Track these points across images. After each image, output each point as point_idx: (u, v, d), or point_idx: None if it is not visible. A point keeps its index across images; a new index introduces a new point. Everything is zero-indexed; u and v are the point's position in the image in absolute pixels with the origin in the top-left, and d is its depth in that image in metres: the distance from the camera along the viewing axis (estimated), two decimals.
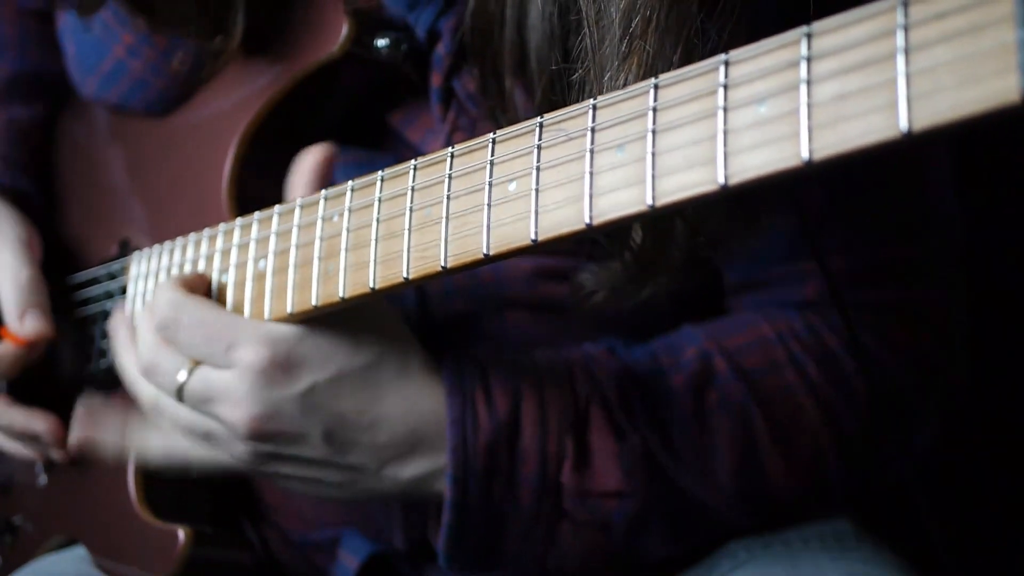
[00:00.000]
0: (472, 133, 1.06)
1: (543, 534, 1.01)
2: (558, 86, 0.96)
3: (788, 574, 1.08)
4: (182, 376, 0.97)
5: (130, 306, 1.15)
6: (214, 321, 0.97)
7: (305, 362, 0.94)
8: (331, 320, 0.94)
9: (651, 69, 0.85)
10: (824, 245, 1.04)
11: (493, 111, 1.03)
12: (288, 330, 0.95)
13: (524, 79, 1.00)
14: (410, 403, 0.97)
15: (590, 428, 1.00)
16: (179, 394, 0.98)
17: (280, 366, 0.94)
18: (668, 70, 0.80)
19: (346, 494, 1.02)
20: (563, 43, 0.97)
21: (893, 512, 1.23)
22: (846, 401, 1.05)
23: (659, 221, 0.92)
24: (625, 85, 0.84)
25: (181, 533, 1.08)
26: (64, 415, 1.24)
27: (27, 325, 1.21)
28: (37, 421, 1.22)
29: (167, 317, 0.97)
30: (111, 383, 1.19)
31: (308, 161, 0.99)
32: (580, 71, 0.90)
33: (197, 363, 0.97)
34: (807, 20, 0.65)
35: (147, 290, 1.14)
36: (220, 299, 1.03)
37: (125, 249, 1.22)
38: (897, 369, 1.07)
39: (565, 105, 0.78)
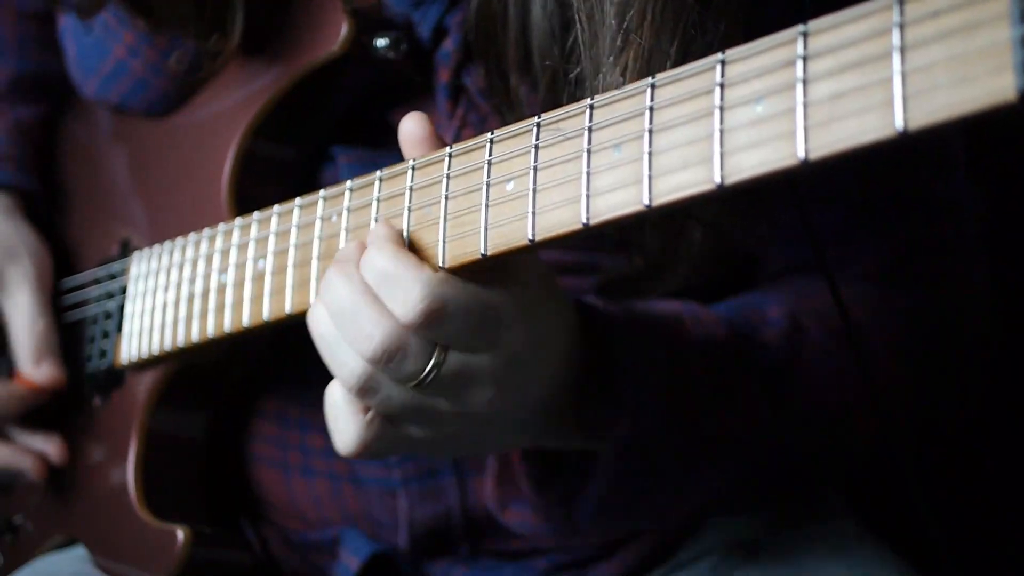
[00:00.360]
0: (481, 128, 1.07)
1: (665, 491, 1.01)
2: (561, 83, 0.96)
3: (789, 574, 1.08)
4: (431, 365, 0.84)
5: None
6: (481, 304, 0.83)
7: (539, 336, 0.86)
8: (539, 283, 0.87)
9: (648, 63, 0.85)
10: (860, 228, 1.05)
11: (500, 108, 1.03)
12: (525, 302, 0.85)
13: (529, 76, 1.00)
14: (575, 359, 0.92)
15: (714, 374, 0.99)
16: (425, 380, 0.84)
17: (526, 341, 0.85)
18: (665, 64, 0.80)
19: (498, 450, 1.00)
20: (564, 40, 0.97)
21: (893, 512, 1.23)
22: (922, 361, 1.07)
23: (666, 220, 0.92)
24: (624, 80, 0.84)
25: (180, 533, 1.08)
26: (64, 414, 1.25)
27: (44, 372, 1.23)
28: (22, 459, 1.23)
29: (431, 308, 0.81)
30: (111, 383, 1.19)
31: (411, 136, 0.89)
32: (577, 67, 0.90)
33: (445, 347, 0.84)
34: (803, 12, 0.65)
35: (147, 289, 1.14)
36: (220, 299, 1.03)
37: (125, 249, 1.22)
38: (931, 343, 1.09)
39: (567, 102, 0.78)
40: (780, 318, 1.04)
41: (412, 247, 0.86)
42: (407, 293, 0.81)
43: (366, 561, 1.15)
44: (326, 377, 0.90)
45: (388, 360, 0.83)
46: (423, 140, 0.88)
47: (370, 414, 0.88)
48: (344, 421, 0.89)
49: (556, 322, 0.89)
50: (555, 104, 0.82)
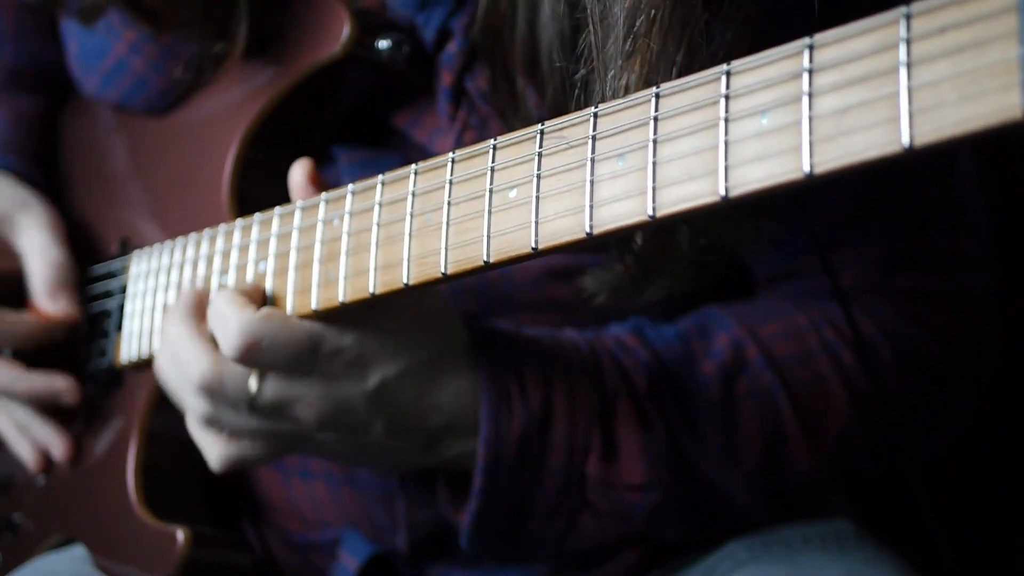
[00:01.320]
0: (483, 131, 1.07)
1: (564, 522, 1.02)
2: (568, 85, 0.96)
3: (789, 574, 1.08)
4: (252, 388, 0.96)
5: (137, 304, 1.15)
6: (295, 338, 0.94)
7: (375, 360, 0.95)
8: (394, 312, 0.95)
9: (655, 68, 0.85)
10: (866, 231, 1.06)
11: (504, 111, 1.03)
12: (366, 328, 0.95)
13: (536, 79, 1.01)
14: (459, 390, 0.99)
15: (617, 420, 1.01)
16: (250, 405, 0.96)
17: (353, 365, 0.95)
18: (672, 70, 0.80)
19: (386, 467, 1.05)
20: (574, 42, 0.97)
21: (893, 512, 1.23)
22: (880, 388, 1.06)
23: (660, 228, 0.92)
24: (629, 84, 0.84)
25: (180, 534, 1.08)
26: (63, 413, 1.24)
27: (60, 305, 1.21)
28: (57, 380, 1.21)
29: (244, 343, 0.93)
30: (111, 382, 1.19)
31: (295, 179, 1.01)
32: (584, 70, 0.90)
33: (263, 375, 0.96)
34: (812, 20, 0.65)
35: (147, 289, 1.13)
36: None
37: (125, 248, 1.21)
38: (937, 355, 1.09)
39: (574, 105, 0.78)
40: (722, 348, 1.05)
41: (416, 251, 0.86)
42: (228, 329, 0.93)
43: (365, 562, 1.15)
44: None
45: (211, 389, 0.95)
46: (304, 187, 0.99)
47: (225, 435, 1.00)
48: (206, 443, 1.02)
49: (426, 353, 0.97)
50: (561, 107, 0.83)
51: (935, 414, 1.12)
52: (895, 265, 1.08)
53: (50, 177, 1.32)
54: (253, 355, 0.93)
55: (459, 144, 1.07)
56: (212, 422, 0.99)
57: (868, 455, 1.09)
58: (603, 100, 0.86)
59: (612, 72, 0.87)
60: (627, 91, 0.83)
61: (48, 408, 1.23)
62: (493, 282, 1.09)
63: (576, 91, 0.92)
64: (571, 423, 1.00)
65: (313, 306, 0.93)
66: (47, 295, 1.21)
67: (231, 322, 0.93)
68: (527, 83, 1.01)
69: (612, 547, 1.15)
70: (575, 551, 1.07)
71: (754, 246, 1.09)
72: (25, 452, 1.24)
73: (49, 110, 1.34)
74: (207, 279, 1.05)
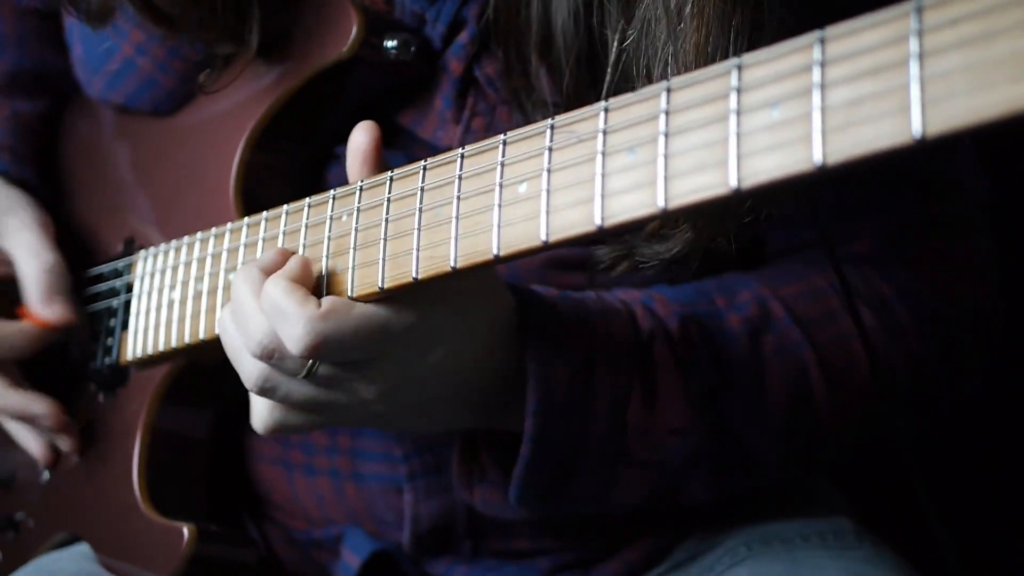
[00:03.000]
0: (491, 117, 1.08)
1: (608, 473, 1.01)
2: (585, 66, 0.96)
3: (788, 572, 1.09)
4: (310, 361, 0.93)
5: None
6: (360, 332, 0.90)
7: (439, 333, 0.93)
8: (451, 291, 0.93)
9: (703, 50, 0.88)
10: (876, 202, 1.07)
11: (517, 93, 1.04)
12: (424, 308, 0.92)
13: (550, 59, 1.01)
14: (509, 350, 0.97)
15: (655, 363, 1.01)
16: (308, 373, 0.93)
17: (419, 344, 0.92)
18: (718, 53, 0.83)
19: (436, 429, 1.04)
20: (588, 20, 0.98)
21: (893, 511, 1.24)
22: (900, 348, 1.07)
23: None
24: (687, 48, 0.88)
25: (186, 530, 1.08)
26: (67, 411, 1.25)
27: (55, 309, 1.20)
28: (35, 404, 1.20)
29: (308, 345, 0.89)
30: (116, 380, 1.19)
31: (356, 144, 0.96)
32: (632, 38, 0.92)
33: None
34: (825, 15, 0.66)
35: (153, 288, 1.14)
36: (229, 297, 1.03)
37: (130, 247, 1.22)
38: (951, 317, 1.10)
39: (594, 86, 0.78)
40: (747, 303, 1.05)
41: (422, 249, 0.86)
42: (292, 328, 0.89)
43: (367, 559, 1.16)
44: None
45: (269, 357, 0.91)
46: (369, 153, 0.94)
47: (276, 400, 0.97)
48: (259, 402, 0.99)
49: (470, 318, 0.94)
50: (576, 88, 0.83)
51: (950, 376, 1.14)
52: (907, 233, 1.10)
53: (45, 179, 1.32)
54: (319, 353, 0.89)
55: (468, 130, 1.08)
56: (266, 388, 0.95)
57: (887, 417, 1.09)
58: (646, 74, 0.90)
59: (663, 38, 0.89)
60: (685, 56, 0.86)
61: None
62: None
63: (621, 63, 0.93)
64: (613, 368, 0.99)
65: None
66: (42, 301, 1.20)
67: (295, 321, 0.88)
68: (541, 64, 1.02)
69: (613, 545, 1.16)
70: (614, 508, 1.06)
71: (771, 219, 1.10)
72: (36, 448, 1.24)
73: (48, 113, 1.34)
74: (214, 276, 1.06)
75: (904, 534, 1.18)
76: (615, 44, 0.95)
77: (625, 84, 0.95)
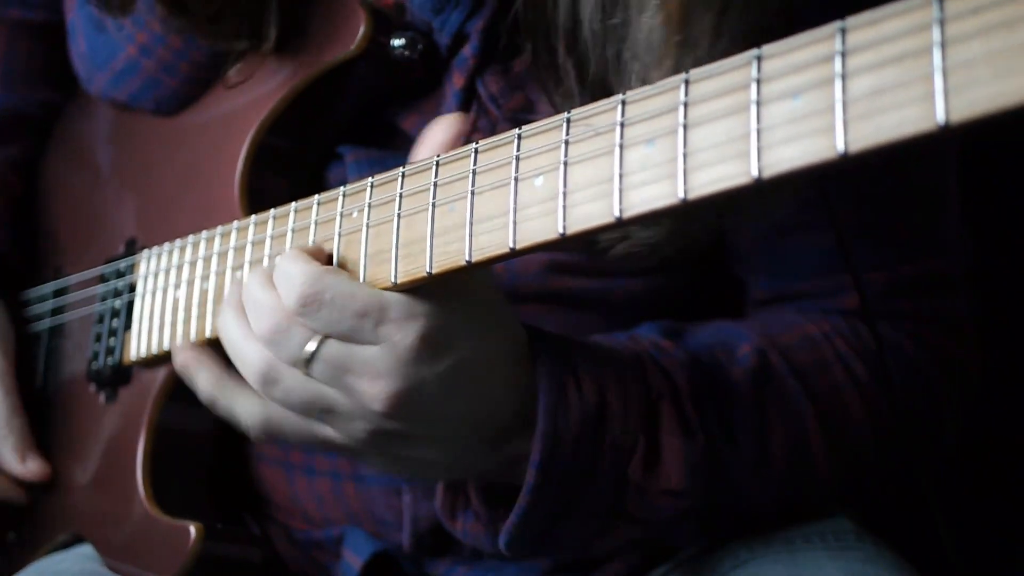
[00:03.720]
0: (492, 134, 1.07)
1: (597, 525, 1.01)
2: (613, 62, 0.97)
3: (789, 573, 1.09)
4: (311, 346, 0.90)
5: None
6: (361, 296, 0.89)
7: (452, 339, 0.90)
8: (464, 297, 0.91)
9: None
10: (861, 262, 1.06)
11: (545, 84, 1.04)
12: (436, 305, 0.89)
13: (576, 52, 1.01)
14: (520, 386, 0.95)
15: (661, 424, 1.00)
16: (306, 364, 0.90)
17: (428, 342, 0.89)
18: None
19: (437, 475, 1.00)
20: (614, 10, 0.98)
21: (894, 511, 1.24)
22: (888, 399, 1.08)
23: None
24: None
25: (193, 529, 1.08)
26: (67, 412, 1.25)
27: (32, 467, 1.24)
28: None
29: (306, 293, 0.88)
30: (118, 380, 1.19)
31: (438, 136, 0.94)
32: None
33: (327, 335, 0.90)
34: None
35: (157, 288, 1.14)
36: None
37: (131, 248, 1.22)
38: (932, 371, 1.12)
39: (616, 75, 0.78)
40: (748, 355, 1.06)
41: (435, 244, 0.87)
42: (291, 280, 0.89)
43: (369, 560, 1.16)
44: None
45: (271, 338, 0.90)
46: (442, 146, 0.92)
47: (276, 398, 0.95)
48: (250, 405, 0.99)
49: (487, 341, 0.92)
50: (603, 80, 0.82)
51: (930, 430, 1.15)
52: (893, 289, 1.11)
53: (16, 234, 1.33)
54: (315, 307, 0.88)
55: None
56: (267, 380, 0.93)
57: (878, 465, 1.11)
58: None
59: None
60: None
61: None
62: (496, 273, 1.07)
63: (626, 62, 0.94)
64: (623, 424, 0.97)
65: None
66: (17, 462, 1.24)
67: (296, 274, 0.89)
68: (568, 56, 1.02)
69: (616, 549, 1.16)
70: (593, 554, 1.06)
71: (755, 265, 1.12)
72: (7, 492, 1.26)
73: (23, 158, 1.36)
74: (221, 275, 1.06)
75: (904, 534, 1.18)
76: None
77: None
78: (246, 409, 1.01)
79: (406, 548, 1.16)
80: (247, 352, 0.94)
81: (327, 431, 0.96)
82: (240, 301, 0.95)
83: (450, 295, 0.89)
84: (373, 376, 0.89)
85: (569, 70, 1.02)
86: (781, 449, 1.05)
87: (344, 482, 1.16)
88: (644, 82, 0.86)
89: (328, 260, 0.94)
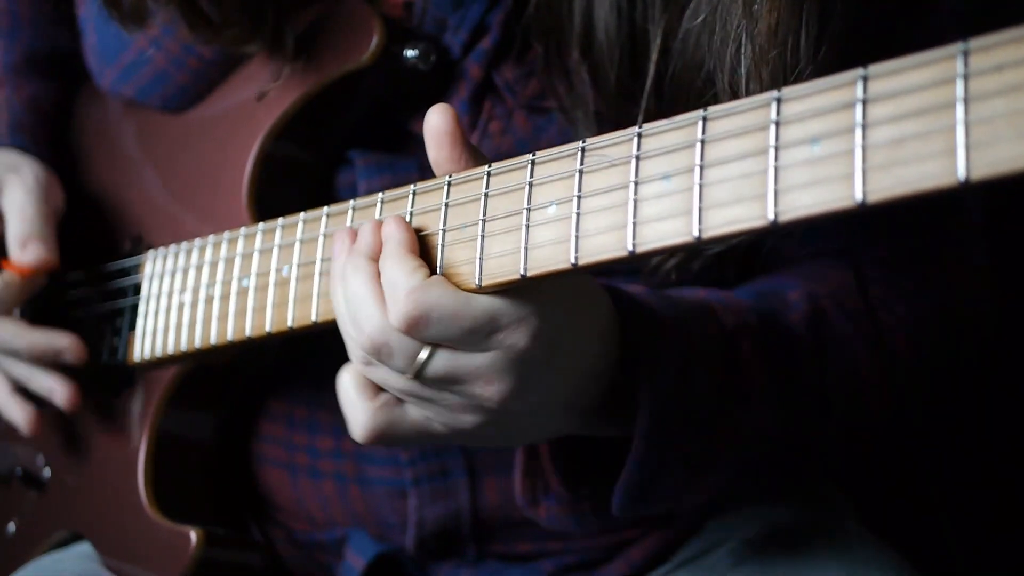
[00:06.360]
0: (508, 122, 1.08)
1: (692, 475, 0.99)
2: (627, 62, 0.97)
3: (789, 572, 1.10)
4: (422, 357, 0.87)
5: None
6: (467, 315, 0.85)
7: (558, 329, 0.88)
8: (558, 287, 0.88)
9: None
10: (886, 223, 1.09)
11: (555, 87, 1.04)
12: (540, 302, 0.87)
13: (591, 57, 1.01)
14: (610, 350, 0.93)
15: (742, 362, 0.99)
16: (418, 374, 0.88)
17: (539, 339, 0.87)
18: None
19: (519, 443, 1.00)
20: (630, 15, 0.98)
21: (894, 512, 1.25)
22: (929, 338, 1.10)
23: None
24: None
25: (193, 534, 1.08)
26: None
27: (28, 253, 1.19)
28: (59, 338, 1.19)
29: (412, 315, 0.84)
30: (123, 381, 1.19)
31: (435, 130, 0.89)
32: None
33: (437, 345, 0.87)
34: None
35: (162, 291, 1.13)
36: (242, 303, 1.03)
37: (137, 246, 1.21)
38: (955, 318, 1.14)
39: (633, 85, 0.77)
40: (800, 301, 1.06)
41: (446, 263, 0.86)
42: (395, 298, 0.85)
43: (371, 562, 1.16)
44: (334, 379, 0.94)
45: (377, 353, 0.87)
46: (446, 135, 0.88)
47: (380, 400, 0.92)
48: (354, 407, 0.93)
49: (581, 321, 0.90)
50: (618, 84, 0.83)
51: (954, 370, 1.17)
52: (911, 257, 1.13)
53: (61, 158, 1.31)
54: (421, 328, 0.84)
55: (484, 135, 1.08)
56: (372, 368, 0.90)
57: (915, 410, 1.13)
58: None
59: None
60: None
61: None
62: None
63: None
64: (711, 369, 0.97)
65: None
66: (17, 247, 1.19)
67: (399, 287, 0.85)
68: (582, 61, 1.02)
69: (616, 546, 1.17)
70: (682, 509, 1.08)
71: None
72: (16, 414, 1.22)
73: (62, 98, 1.34)
74: (227, 283, 1.05)
75: (904, 534, 1.19)
76: (658, 38, 0.95)
77: (670, 81, 0.96)
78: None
79: (410, 550, 1.16)
80: (354, 352, 0.91)
81: (435, 427, 0.94)
82: (348, 294, 0.90)
83: (547, 288, 0.87)
84: (487, 380, 0.87)
85: (583, 76, 1.02)
86: (840, 389, 1.05)
87: (349, 484, 1.16)
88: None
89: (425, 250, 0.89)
